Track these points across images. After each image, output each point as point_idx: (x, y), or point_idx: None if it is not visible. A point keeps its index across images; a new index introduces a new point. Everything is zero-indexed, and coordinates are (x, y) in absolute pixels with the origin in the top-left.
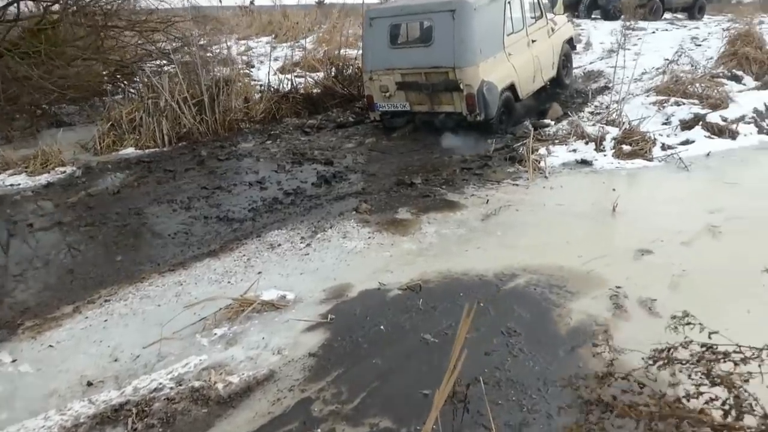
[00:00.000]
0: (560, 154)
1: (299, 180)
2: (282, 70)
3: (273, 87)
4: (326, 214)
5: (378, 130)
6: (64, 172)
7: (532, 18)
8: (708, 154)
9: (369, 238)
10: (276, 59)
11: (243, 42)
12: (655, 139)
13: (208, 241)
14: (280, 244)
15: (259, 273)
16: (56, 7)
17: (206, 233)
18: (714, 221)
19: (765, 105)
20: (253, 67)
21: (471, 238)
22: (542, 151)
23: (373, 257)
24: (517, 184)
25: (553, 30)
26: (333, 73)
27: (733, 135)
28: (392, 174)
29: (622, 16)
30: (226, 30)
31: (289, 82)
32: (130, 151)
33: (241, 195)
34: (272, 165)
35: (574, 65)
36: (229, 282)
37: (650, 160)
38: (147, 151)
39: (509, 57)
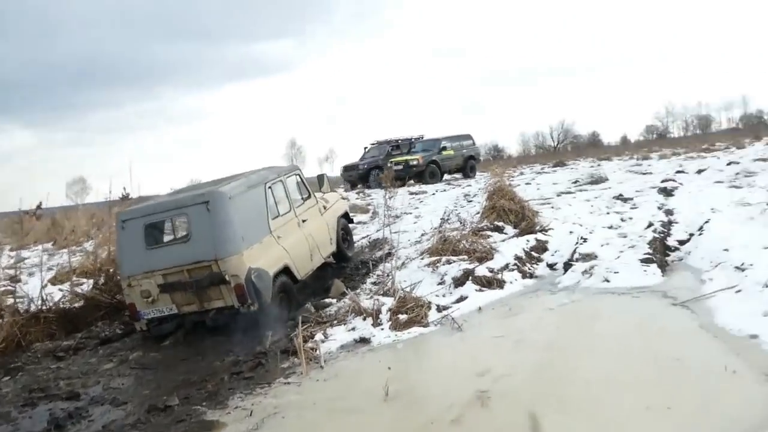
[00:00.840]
0: (339, 336)
1: (21, 431)
2: (54, 280)
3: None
4: None
5: (148, 340)
6: None
7: (299, 198)
8: (479, 309)
9: None
10: (50, 268)
11: (13, 253)
12: (429, 302)
13: None
14: None
15: None
16: None
17: None
18: (482, 385)
19: (523, 250)
20: (19, 281)
21: None
22: (318, 336)
23: None
24: (288, 382)
25: (325, 207)
26: (102, 281)
27: (501, 284)
28: (148, 397)
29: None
30: None
31: (60, 294)
32: None
33: None
34: None
35: (362, 235)
36: None
37: (426, 326)
38: None
39: (278, 240)
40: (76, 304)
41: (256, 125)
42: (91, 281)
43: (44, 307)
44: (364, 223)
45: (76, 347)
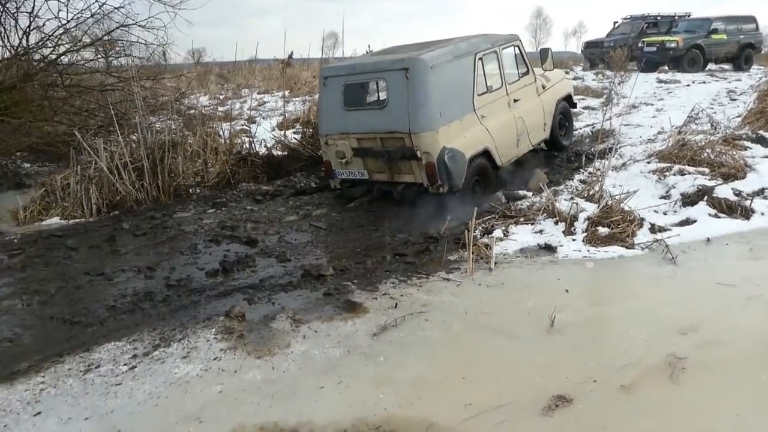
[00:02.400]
0: (522, 236)
1: (197, 266)
2: (281, 126)
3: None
4: (190, 318)
5: (336, 199)
6: None
7: (514, 74)
8: (708, 240)
9: (215, 359)
10: (281, 114)
11: (259, 97)
12: (642, 219)
13: (22, 356)
14: (99, 366)
15: (38, 414)
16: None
17: (33, 342)
18: (680, 349)
19: None
20: (254, 123)
21: (341, 364)
22: (497, 232)
23: (196, 393)
24: (448, 279)
25: (544, 87)
26: (309, 133)
27: (747, 214)
28: (310, 261)
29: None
30: (243, 84)
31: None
32: (54, 221)
33: (117, 285)
34: (187, 243)
35: (586, 122)
36: None
37: (630, 246)
38: (72, 221)
39: (482, 119)
40: (282, 153)
41: None
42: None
43: (251, 151)
44: (593, 109)
45: (273, 193)
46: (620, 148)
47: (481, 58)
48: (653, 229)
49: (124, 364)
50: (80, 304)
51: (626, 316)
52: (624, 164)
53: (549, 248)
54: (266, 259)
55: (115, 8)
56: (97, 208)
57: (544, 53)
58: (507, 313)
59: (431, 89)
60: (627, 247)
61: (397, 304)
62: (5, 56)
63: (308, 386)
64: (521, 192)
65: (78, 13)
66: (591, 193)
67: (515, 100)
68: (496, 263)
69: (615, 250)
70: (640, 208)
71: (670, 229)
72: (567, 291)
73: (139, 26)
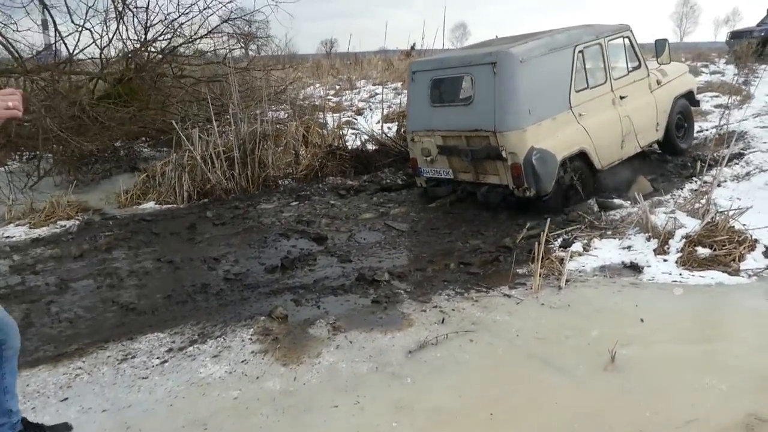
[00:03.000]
0: (605, 252)
1: (260, 260)
2: (386, 119)
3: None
4: (234, 315)
5: (419, 197)
6: (64, 226)
7: (623, 68)
8: None
9: (242, 361)
10: (390, 106)
11: (373, 88)
12: (755, 240)
13: (73, 339)
14: (135, 356)
15: (65, 400)
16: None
17: (89, 325)
18: (766, 409)
19: None
20: (360, 114)
21: (365, 382)
22: (576, 246)
23: (213, 397)
24: (510, 295)
25: (659, 83)
26: (402, 130)
27: None
28: (371, 263)
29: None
30: (359, 76)
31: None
32: (149, 205)
33: (181, 274)
34: (259, 236)
35: (715, 123)
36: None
37: (734, 272)
38: (165, 206)
39: (579, 118)
40: (367, 147)
41: None
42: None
43: (340, 144)
44: (725, 108)
45: (358, 188)
46: (749, 153)
47: (581, 51)
48: None
49: (158, 357)
50: (143, 291)
51: (707, 358)
52: (748, 173)
53: (634, 267)
54: (328, 258)
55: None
56: (188, 195)
57: (660, 45)
58: (564, 341)
59: (520, 85)
60: (730, 273)
61: (444, 319)
62: (126, 50)
63: (323, 403)
64: (617, 201)
65: (187, 8)
66: (697, 206)
67: (622, 97)
68: (567, 281)
69: (714, 276)
70: (756, 228)
71: None
72: (642, 320)
73: (244, 20)
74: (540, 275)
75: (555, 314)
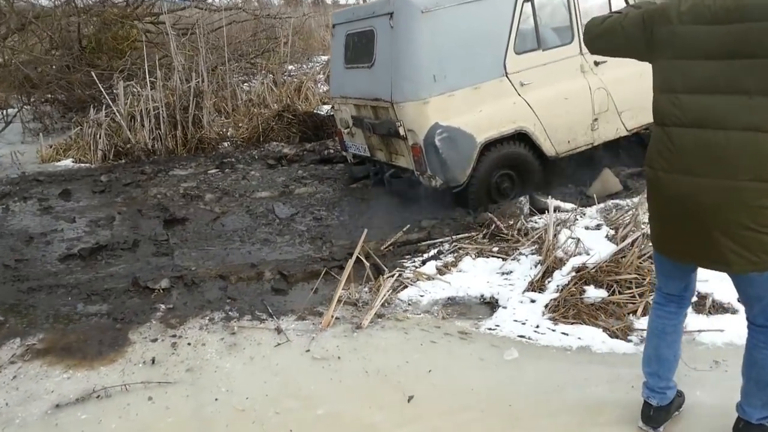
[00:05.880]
0: (469, 278)
1: (73, 243)
2: None
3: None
4: None
5: (343, 176)
6: None
7: None
8: None
9: None
10: None
11: None
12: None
13: None
14: None
15: None
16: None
17: None
18: None
19: None
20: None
21: None
22: (429, 267)
23: None
24: (282, 330)
25: None
26: None
27: None
28: (193, 263)
29: None
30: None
31: None
32: (65, 163)
33: None
34: (123, 210)
35: None
36: None
37: (620, 333)
38: (78, 165)
39: (521, 88)
40: (327, 112)
41: None
42: None
43: (290, 105)
44: None
45: (292, 158)
46: None
47: (530, 0)
48: (704, 306)
49: None
50: None
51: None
52: None
53: (492, 305)
54: (151, 246)
55: None
56: (102, 155)
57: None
58: (270, 417)
59: (421, 42)
60: (612, 333)
61: (161, 358)
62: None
63: None
64: (554, 201)
65: None
66: (620, 222)
67: (597, 63)
68: (379, 317)
69: (583, 335)
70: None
71: (730, 310)
72: (409, 399)
73: None
74: (333, 306)
75: (306, 371)
